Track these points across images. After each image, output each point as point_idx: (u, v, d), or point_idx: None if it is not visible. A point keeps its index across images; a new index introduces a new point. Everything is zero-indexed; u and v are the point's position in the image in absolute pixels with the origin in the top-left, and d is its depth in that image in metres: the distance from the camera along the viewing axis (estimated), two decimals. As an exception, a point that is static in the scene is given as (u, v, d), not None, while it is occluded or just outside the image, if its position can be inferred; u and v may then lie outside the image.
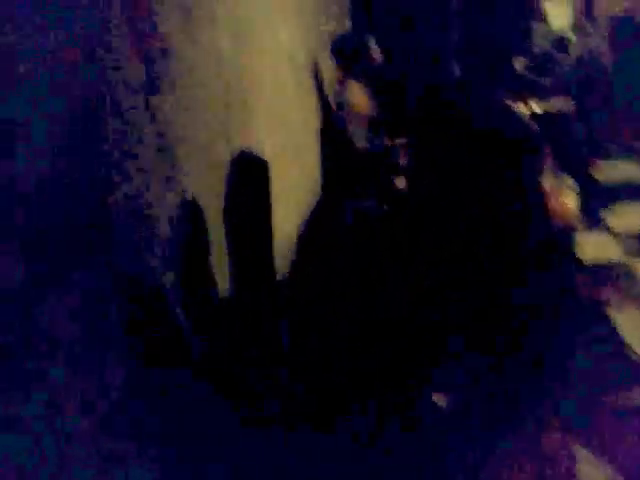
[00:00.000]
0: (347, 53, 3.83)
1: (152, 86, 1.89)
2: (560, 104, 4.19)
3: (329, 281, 2.22)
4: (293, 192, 3.10)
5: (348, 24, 4.96)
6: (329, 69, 4.15)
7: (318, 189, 3.35)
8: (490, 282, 2.11)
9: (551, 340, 2.33)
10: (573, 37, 5.10)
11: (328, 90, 4.05)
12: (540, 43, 4.84)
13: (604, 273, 3.57)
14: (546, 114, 3.79)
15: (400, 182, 2.48)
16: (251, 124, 2.65)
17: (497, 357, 2.02)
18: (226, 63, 2.44)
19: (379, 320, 1.96)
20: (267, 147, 2.55)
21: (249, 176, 2.04)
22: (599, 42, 5.31)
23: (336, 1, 4.62)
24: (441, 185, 2.18)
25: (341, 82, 3.82)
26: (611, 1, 6.08)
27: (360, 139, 3.54)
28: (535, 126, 2.90)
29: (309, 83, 3.74)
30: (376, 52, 3.86)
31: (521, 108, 3.41)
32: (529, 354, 2.10)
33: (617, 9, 6.10)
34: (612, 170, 5.27)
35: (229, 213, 2.00)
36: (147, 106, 1.88)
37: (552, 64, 4.81)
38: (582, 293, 3.22)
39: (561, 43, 5.03)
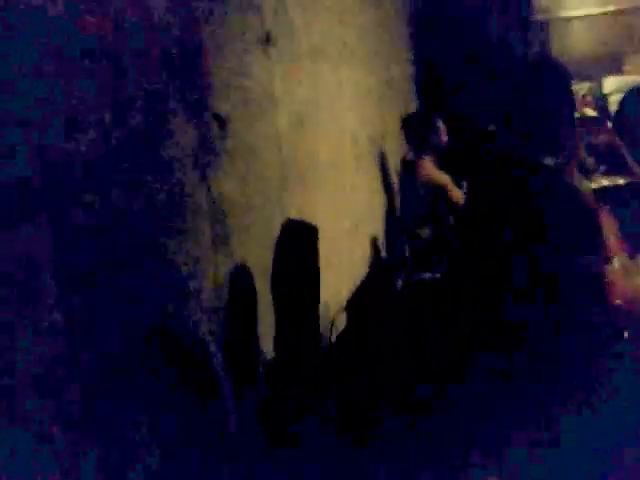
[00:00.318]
0: (417, 131, 3.94)
1: (208, 159, 2.04)
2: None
3: (378, 347, 2.22)
4: (346, 260, 3.17)
5: (416, 104, 5.12)
6: (394, 148, 4.28)
7: (371, 258, 3.40)
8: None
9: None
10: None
11: (392, 169, 4.17)
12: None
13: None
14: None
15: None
16: (307, 197, 2.77)
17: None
18: (283, 141, 2.59)
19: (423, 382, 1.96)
20: (321, 217, 2.64)
21: (299, 243, 2.12)
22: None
23: (404, 85, 4.81)
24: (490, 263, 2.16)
25: (411, 160, 3.93)
26: None
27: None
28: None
29: (371, 161, 3.86)
30: (444, 130, 3.96)
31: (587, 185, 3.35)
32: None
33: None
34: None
35: (277, 280, 2.08)
36: (203, 177, 2.02)
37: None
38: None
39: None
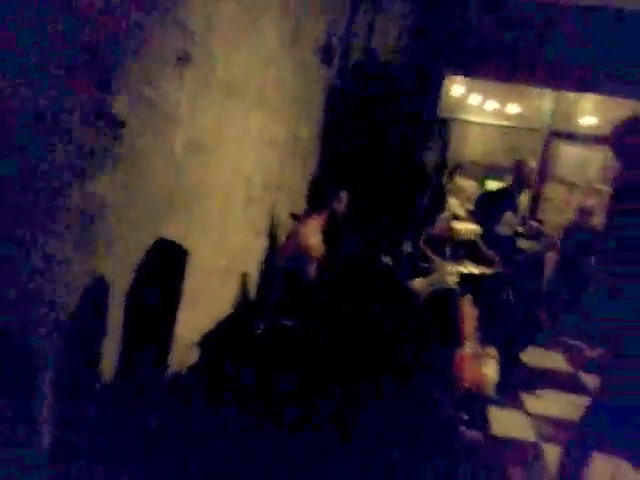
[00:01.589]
0: (318, 195, 3.97)
1: (92, 159, 1.96)
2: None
3: (226, 390, 2.18)
4: (214, 299, 3.12)
5: (319, 169, 5.25)
6: (288, 202, 4.33)
7: (238, 300, 3.37)
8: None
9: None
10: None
11: (281, 220, 4.20)
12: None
13: (515, 449, 3.55)
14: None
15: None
16: (190, 225, 2.72)
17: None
18: (179, 164, 2.55)
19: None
20: (198, 249, 2.59)
21: (166, 264, 2.07)
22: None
23: (310, 146, 4.93)
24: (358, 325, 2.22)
25: (298, 215, 3.97)
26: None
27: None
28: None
29: (262, 208, 3.88)
30: (343, 203, 4.01)
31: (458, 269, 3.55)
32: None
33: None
34: (541, 356, 5.43)
35: (133, 296, 2.00)
36: (80, 176, 1.93)
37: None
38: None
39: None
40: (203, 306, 2.84)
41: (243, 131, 3.30)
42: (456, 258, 3.60)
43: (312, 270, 3.61)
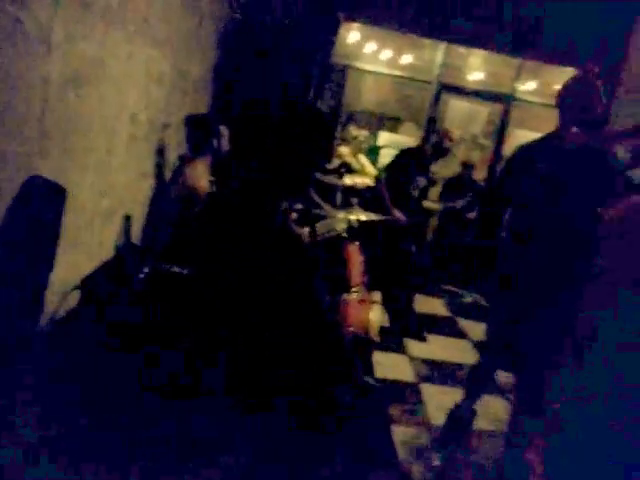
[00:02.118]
0: (197, 132, 3.87)
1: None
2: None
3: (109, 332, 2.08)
4: (96, 241, 2.95)
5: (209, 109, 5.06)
6: (176, 141, 4.16)
7: (122, 243, 3.21)
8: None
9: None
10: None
11: (169, 160, 4.03)
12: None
13: (395, 391, 3.70)
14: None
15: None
16: (67, 163, 2.52)
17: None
18: (51, 96, 2.33)
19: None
20: (77, 189, 2.42)
21: (39, 204, 1.90)
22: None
23: (201, 86, 4.72)
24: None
25: (187, 157, 3.83)
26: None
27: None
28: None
29: (148, 146, 3.69)
30: (226, 137, 3.93)
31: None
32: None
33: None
34: (424, 302, 5.68)
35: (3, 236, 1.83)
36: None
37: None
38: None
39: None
40: (84, 248, 2.68)
41: (127, 64, 3.08)
42: (346, 206, 3.62)
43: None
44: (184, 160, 3.82)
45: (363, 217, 3.51)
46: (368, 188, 4.80)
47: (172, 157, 4.05)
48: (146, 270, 2.29)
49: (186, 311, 1.94)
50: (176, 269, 2.18)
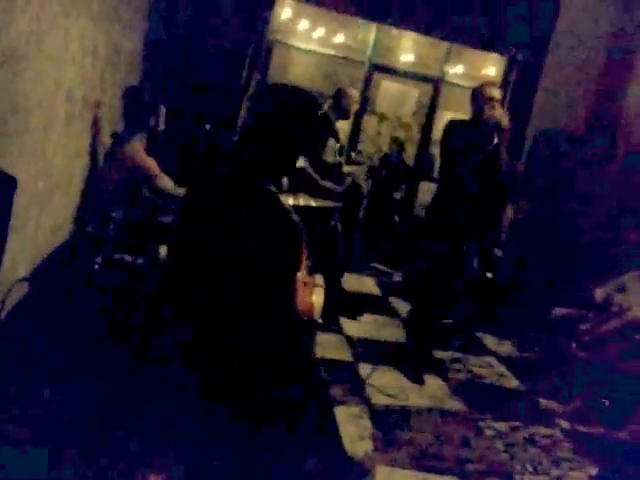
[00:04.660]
0: (134, 108, 3.76)
1: None
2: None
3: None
4: (31, 227, 2.83)
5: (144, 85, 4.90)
6: (109, 119, 4.01)
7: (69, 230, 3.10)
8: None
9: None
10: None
11: (103, 138, 3.89)
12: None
13: (334, 371, 3.78)
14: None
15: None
16: (4, 142, 2.39)
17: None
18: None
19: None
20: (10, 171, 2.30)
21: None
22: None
23: (135, 60, 4.55)
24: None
25: (120, 134, 3.73)
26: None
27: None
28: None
29: (83, 125, 3.54)
30: (162, 116, 3.84)
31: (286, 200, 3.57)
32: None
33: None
34: (356, 279, 5.80)
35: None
36: None
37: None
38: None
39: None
40: (24, 235, 2.56)
41: (63, 37, 2.92)
42: (293, 190, 3.62)
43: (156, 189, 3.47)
44: (118, 138, 3.70)
45: (313, 203, 3.51)
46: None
47: (106, 136, 3.91)
48: (100, 261, 2.22)
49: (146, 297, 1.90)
50: (129, 258, 2.12)
